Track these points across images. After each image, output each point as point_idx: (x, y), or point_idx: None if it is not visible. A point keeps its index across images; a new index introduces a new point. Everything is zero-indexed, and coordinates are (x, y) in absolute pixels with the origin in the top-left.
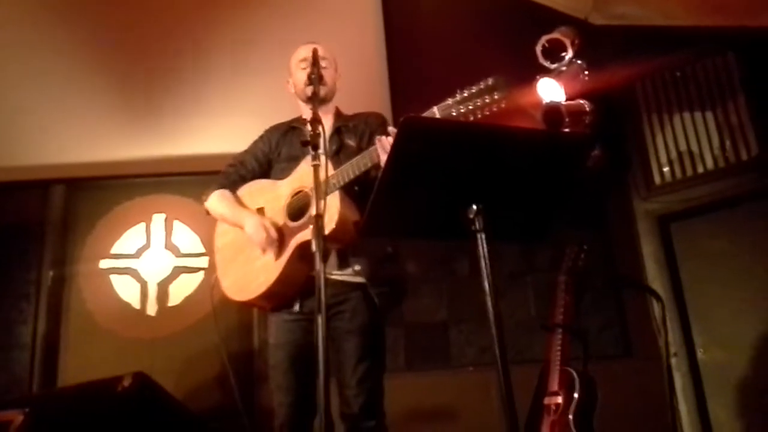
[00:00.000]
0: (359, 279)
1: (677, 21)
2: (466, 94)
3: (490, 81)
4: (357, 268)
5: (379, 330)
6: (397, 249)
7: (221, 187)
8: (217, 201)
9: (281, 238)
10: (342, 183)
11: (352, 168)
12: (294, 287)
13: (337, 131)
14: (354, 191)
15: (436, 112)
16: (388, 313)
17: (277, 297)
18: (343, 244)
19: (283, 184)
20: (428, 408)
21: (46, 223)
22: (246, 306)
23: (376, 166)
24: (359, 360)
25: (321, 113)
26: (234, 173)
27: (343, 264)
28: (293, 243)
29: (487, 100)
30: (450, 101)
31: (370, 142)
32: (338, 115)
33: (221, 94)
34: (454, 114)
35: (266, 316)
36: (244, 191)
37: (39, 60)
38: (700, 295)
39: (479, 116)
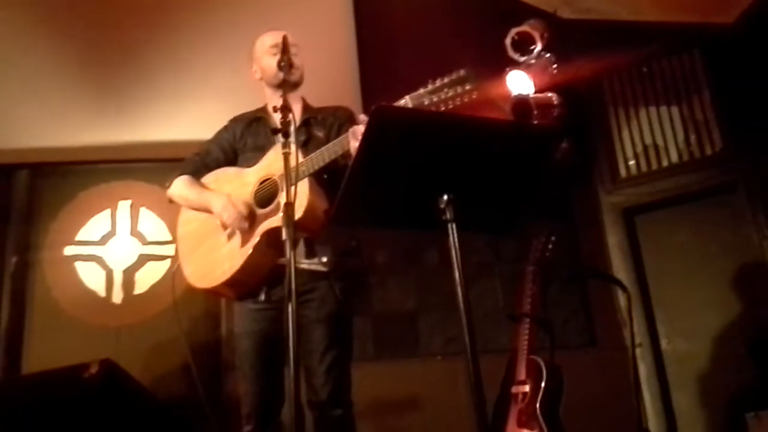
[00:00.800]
0: (323, 268)
1: (644, 16)
2: (438, 85)
3: (461, 72)
4: (324, 259)
5: (347, 319)
6: (361, 242)
7: (185, 174)
8: (181, 186)
9: (249, 225)
10: (311, 170)
11: (322, 155)
12: (259, 276)
13: (306, 123)
14: (323, 179)
15: (408, 101)
16: (351, 306)
17: (241, 285)
18: (311, 233)
19: (251, 171)
20: (396, 397)
21: (9, 209)
22: (210, 294)
23: (346, 154)
24: (327, 348)
25: (292, 102)
26: (198, 161)
27: (310, 253)
28: (260, 230)
29: (459, 91)
30: (422, 91)
31: (339, 135)
32: (306, 106)
33: (188, 81)
34: (425, 103)
35: (233, 304)
36: (209, 179)
37: (2, 43)
38: (664, 286)
39: (450, 106)
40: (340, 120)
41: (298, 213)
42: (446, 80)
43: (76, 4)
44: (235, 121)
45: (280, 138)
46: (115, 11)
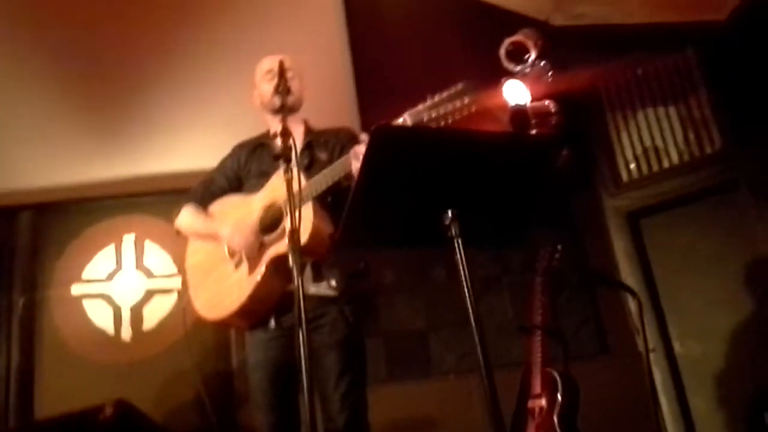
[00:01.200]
0: (332, 293)
1: (635, 18)
2: (436, 100)
3: (459, 86)
4: (333, 283)
5: (359, 343)
6: (369, 264)
7: (190, 203)
8: (187, 215)
9: (255, 252)
10: (315, 193)
11: (325, 178)
12: (268, 303)
13: (308, 146)
14: (327, 202)
15: (407, 118)
16: (362, 328)
17: (251, 314)
18: (317, 256)
19: (255, 198)
20: (412, 418)
21: (15, 249)
22: (221, 325)
23: (349, 175)
24: (341, 374)
25: (290, 125)
26: (204, 190)
27: (318, 277)
28: (267, 256)
29: (458, 105)
30: (420, 107)
31: (341, 156)
32: (308, 129)
33: (187, 111)
34: (425, 119)
35: (243, 334)
36: (215, 207)
37: (1, 83)
38: (673, 288)
39: (450, 121)
40: (342, 141)
41: (304, 237)
42: (445, 95)
43: (75, 42)
44: (239, 147)
45: (282, 163)
46: (114, 47)
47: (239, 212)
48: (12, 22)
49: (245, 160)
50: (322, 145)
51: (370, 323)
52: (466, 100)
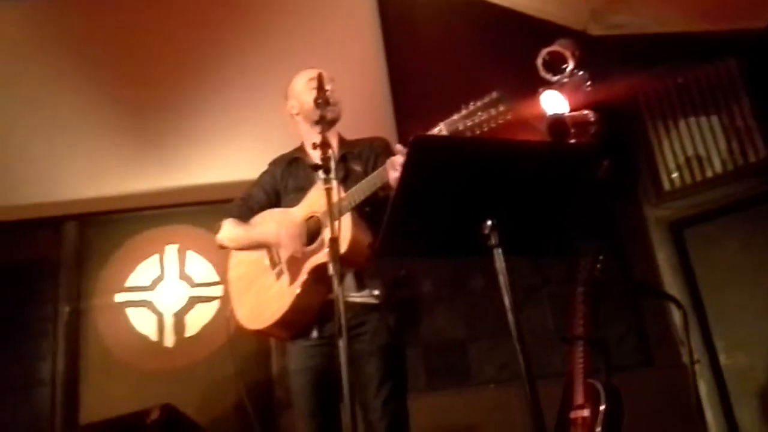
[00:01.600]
0: (374, 301)
1: (673, 27)
2: (471, 109)
3: (494, 95)
4: (376, 292)
5: (400, 351)
6: (410, 271)
7: (231, 218)
8: (230, 228)
9: (295, 263)
10: (353, 204)
11: (362, 188)
12: (309, 313)
13: (343, 158)
14: (365, 212)
15: (443, 128)
16: (404, 336)
17: (292, 324)
18: (356, 266)
19: (295, 210)
20: (451, 427)
21: (60, 260)
22: (263, 335)
23: (385, 186)
24: (381, 381)
25: (329, 138)
26: (243, 205)
27: (360, 286)
28: (307, 267)
29: (493, 113)
30: (456, 116)
31: (376, 167)
32: (342, 141)
33: (226, 123)
34: (460, 128)
35: (285, 342)
36: (256, 220)
37: (45, 98)
38: (718, 299)
39: (485, 129)
40: (376, 151)
41: (343, 247)
42: (479, 103)
43: (117, 55)
44: (274, 163)
45: (320, 175)
46: (156, 59)
47: (281, 223)
48: (55, 38)
49: (281, 175)
50: (356, 157)
51: (409, 333)
52: (501, 109)
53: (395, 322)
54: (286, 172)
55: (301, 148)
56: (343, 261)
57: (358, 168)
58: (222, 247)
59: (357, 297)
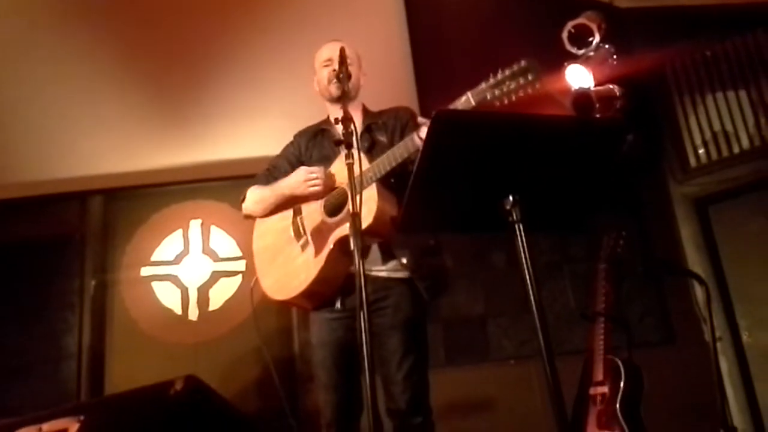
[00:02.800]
0: (402, 274)
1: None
2: (499, 78)
3: (522, 63)
4: (404, 261)
5: (422, 325)
6: (439, 241)
7: (255, 186)
8: (253, 194)
9: (320, 234)
10: (379, 175)
11: (389, 159)
12: (335, 285)
13: (368, 129)
14: (391, 183)
15: (470, 97)
16: (432, 307)
17: (317, 295)
18: (383, 237)
19: None
20: (471, 402)
21: (86, 234)
22: (287, 305)
23: (413, 156)
24: (404, 355)
25: (351, 110)
26: (267, 175)
27: (386, 258)
28: (332, 239)
29: (521, 82)
30: (483, 85)
31: (402, 137)
32: (366, 112)
33: (251, 98)
34: (488, 98)
35: (307, 316)
36: None
37: (71, 74)
38: (741, 277)
39: (513, 99)
40: (402, 121)
41: (368, 219)
42: (508, 72)
43: (141, 31)
44: (300, 135)
45: (343, 149)
46: (180, 36)
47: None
48: (82, 13)
49: (305, 145)
50: (381, 128)
51: (432, 306)
52: (530, 77)
53: (429, 291)
54: (311, 144)
55: (327, 120)
56: (368, 232)
57: (383, 139)
58: (248, 217)
59: (383, 271)
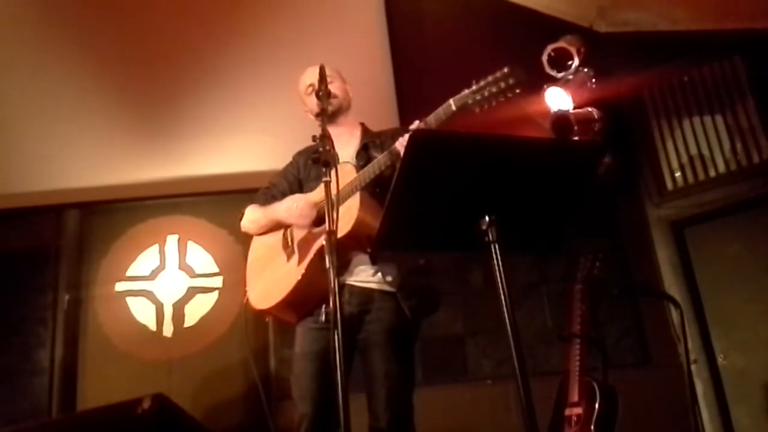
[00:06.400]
0: (391, 288)
1: (681, 26)
2: (482, 84)
3: (505, 69)
4: (389, 279)
5: (408, 343)
6: (430, 261)
7: (253, 204)
8: (251, 212)
9: (306, 244)
10: (363, 184)
11: (372, 168)
12: (315, 295)
13: (365, 147)
14: (376, 193)
15: (452, 103)
16: (419, 327)
17: (298, 305)
18: (363, 247)
19: (311, 195)
20: (448, 423)
21: (60, 247)
22: (271, 318)
23: (392, 165)
24: (387, 372)
25: (347, 126)
26: (266, 192)
27: (377, 270)
28: (314, 247)
29: (503, 86)
30: (466, 91)
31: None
32: (366, 131)
33: (231, 114)
34: (469, 102)
35: (285, 335)
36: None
37: (48, 85)
38: (717, 300)
39: (493, 104)
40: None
41: (347, 228)
42: (490, 78)
43: (120, 44)
44: (299, 154)
45: (343, 159)
46: (159, 49)
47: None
48: (62, 24)
49: (304, 164)
50: (378, 147)
51: (416, 327)
52: (511, 82)
53: (413, 311)
54: (310, 163)
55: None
56: (348, 239)
57: (378, 156)
58: (246, 234)
59: (372, 282)
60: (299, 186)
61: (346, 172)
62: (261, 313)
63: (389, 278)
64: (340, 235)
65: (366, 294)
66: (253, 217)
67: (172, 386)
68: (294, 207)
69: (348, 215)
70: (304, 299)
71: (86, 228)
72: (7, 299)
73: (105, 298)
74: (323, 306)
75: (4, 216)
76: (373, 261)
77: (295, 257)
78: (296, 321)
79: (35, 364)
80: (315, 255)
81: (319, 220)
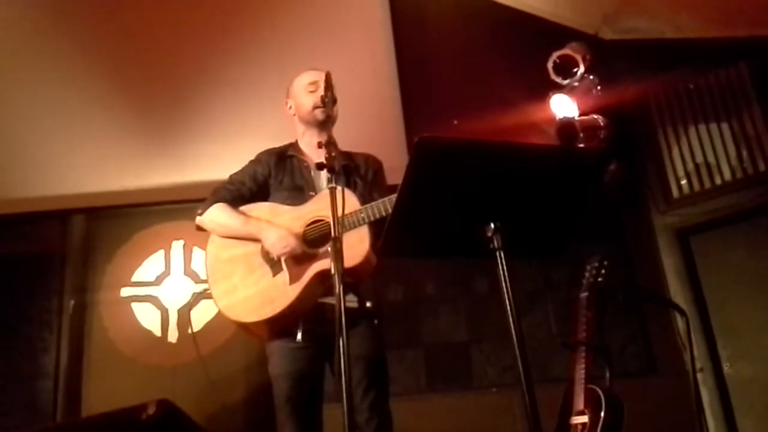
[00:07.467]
0: (371, 306)
1: (686, 33)
2: None
3: None
4: (368, 304)
5: (384, 356)
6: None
7: (222, 202)
8: (220, 213)
9: (298, 262)
10: (373, 218)
11: (385, 206)
12: (300, 313)
13: (345, 169)
14: (377, 232)
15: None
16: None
17: (281, 323)
18: (359, 279)
19: (300, 209)
20: (452, 430)
21: (66, 252)
22: (243, 328)
23: None
24: (369, 385)
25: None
26: (234, 191)
27: (353, 293)
28: (313, 269)
29: None
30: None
31: (374, 183)
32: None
33: (236, 120)
34: None
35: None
36: (253, 212)
37: (55, 90)
38: (723, 308)
39: None
40: (374, 168)
41: (355, 260)
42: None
43: (126, 50)
44: (267, 154)
45: (321, 177)
46: (165, 55)
47: (280, 220)
48: (68, 30)
49: (274, 168)
50: (355, 170)
51: (411, 334)
52: None
53: (379, 328)
54: (280, 167)
55: (294, 146)
56: (351, 272)
57: (359, 181)
58: (200, 229)
59: (353, 302)
60: (266, 190)
61: (351, 204)
62: (233, 323)
63: (368, 304)
64: (349, 264)
65: (347, 313)
66: (222, 220)
67: (176, 392)
68: (285, 245)
69: (360, 248)
70: (285, 318)
71: (92, 233)
72: (13, 304)
73: (110, 304)
74: (300, 324)
75: (10, 221)
76: (352, 286)
77: (285, 275)
78: (267, 338)
79: (40, 369)
80: (314, 277)
81: (317, 241)
